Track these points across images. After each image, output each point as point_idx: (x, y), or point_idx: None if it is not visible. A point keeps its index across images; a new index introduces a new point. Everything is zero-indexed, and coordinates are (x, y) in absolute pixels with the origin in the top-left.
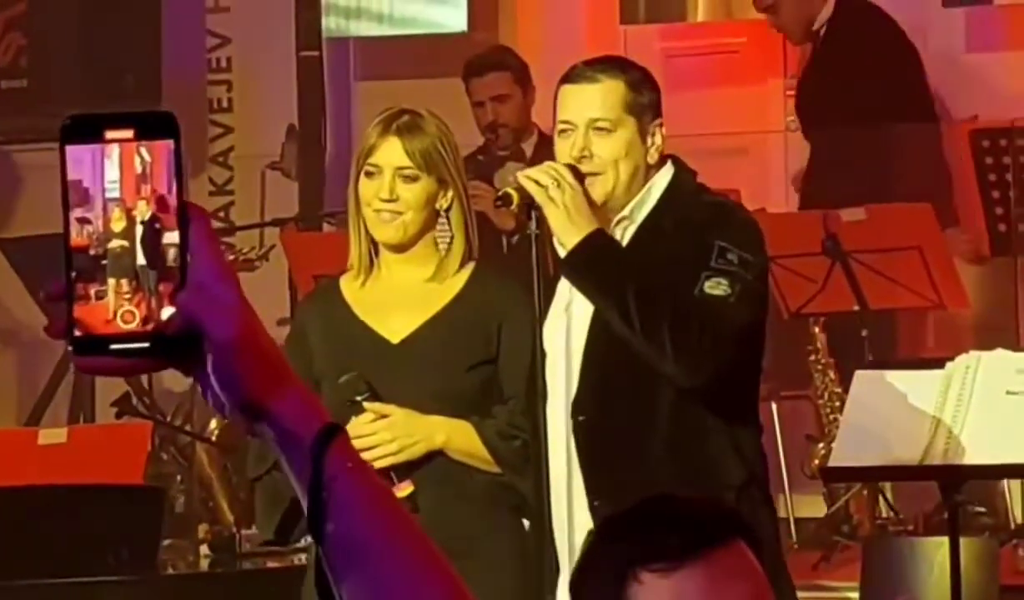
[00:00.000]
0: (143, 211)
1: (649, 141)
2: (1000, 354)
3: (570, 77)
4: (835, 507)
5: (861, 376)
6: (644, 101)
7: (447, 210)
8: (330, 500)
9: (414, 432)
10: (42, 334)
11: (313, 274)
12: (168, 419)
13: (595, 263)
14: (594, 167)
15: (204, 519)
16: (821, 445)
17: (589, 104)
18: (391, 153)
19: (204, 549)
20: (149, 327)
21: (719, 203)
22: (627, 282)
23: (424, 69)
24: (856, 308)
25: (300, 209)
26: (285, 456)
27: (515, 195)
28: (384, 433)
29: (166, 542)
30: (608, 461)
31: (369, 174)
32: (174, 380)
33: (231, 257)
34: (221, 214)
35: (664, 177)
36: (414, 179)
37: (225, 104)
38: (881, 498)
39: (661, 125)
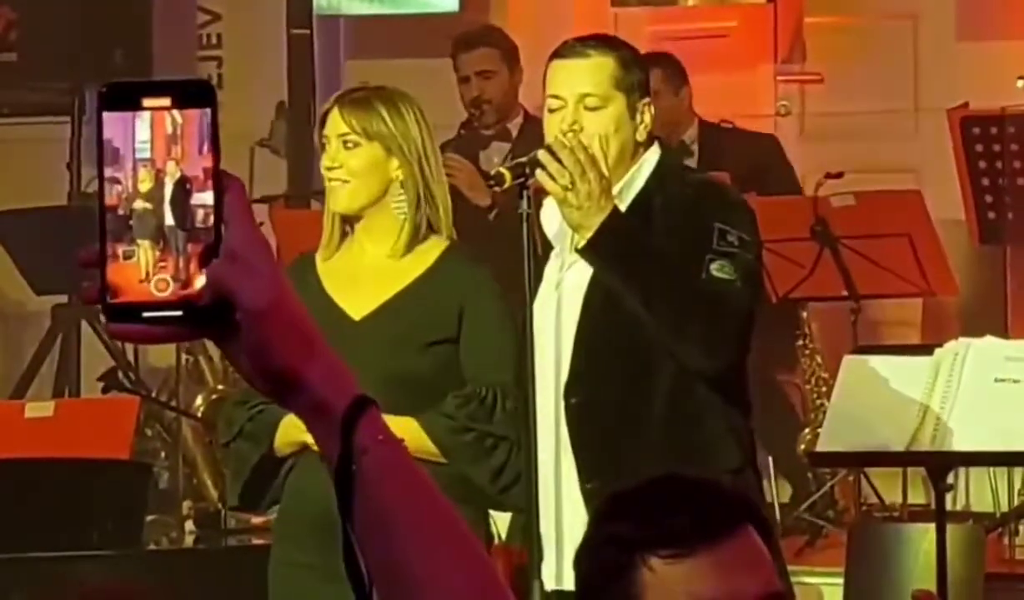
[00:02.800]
0: (172, 172)
1: (638, 119)
2: (989, 341)
3: (560, 53)
4: (820, 492)
5: (849, 361)
6: (633, 79)
7: (403, 183)
8: (359, 473)
9: None
10: (29, 306)
11: (300, 251)
12: (154, 395)
13: (617, 248)
14: (584, 140)
15: (188, 495)
16: (807, 429)
17: (579, 79)
18: (335, 123)
19: (189, 525)
20: (183, 295)
21: (710, 183)
22: (648, 267)
23: (415, 48)
24: (845, 294)
25: (289, 187)
26: (314, 427)
27: (507, 174)
28: None
29: (150, 518)
30: (602, 443)
31: (323, 146)
32: (159, 356)
33: None
34: None
35: (652, 156)
36: (355, 145)
37: (216, 81)
38: (867, 484)
39: (650, 104)
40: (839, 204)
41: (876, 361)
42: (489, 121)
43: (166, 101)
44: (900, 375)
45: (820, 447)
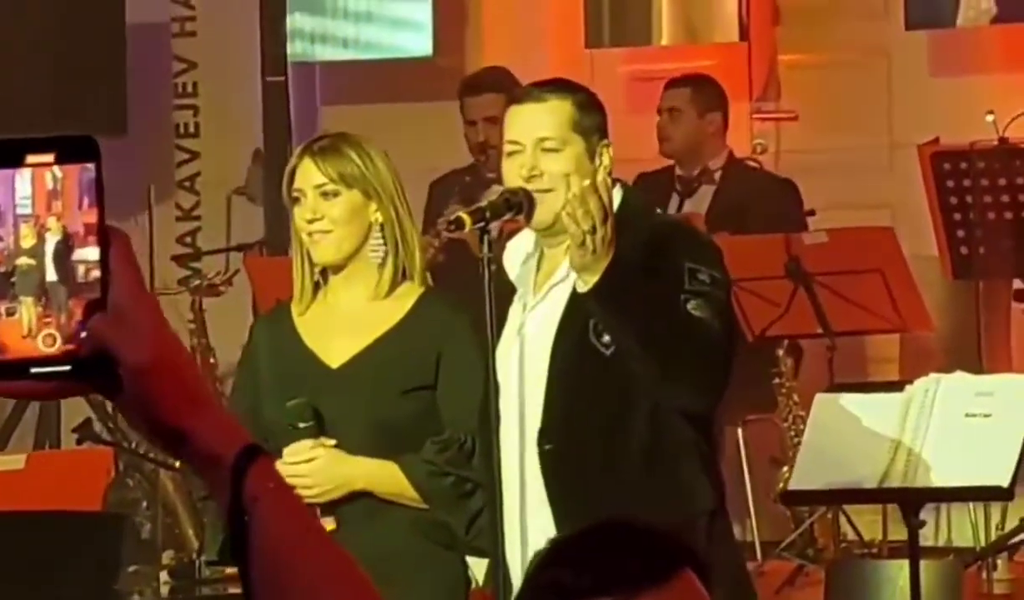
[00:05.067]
0: (54, 228)
1: (597, 161)
2: (959, 377)
3: (517, 98)
4: (799, 530)
5: (821, 399)
6: (592, 121)
7: (381, 226)
8: (251, 521)
9: (334, 477)
10: None
11: (277, 298)
12: (132, 445)
13: (619, 291)
14: (544, 184)
15: (170, 545)
16: (785, 468)
17: (537, 123)
18: (309, 174)
19: (164, 575)
20: (69, 350)
21: (676, 223)
22: (641, 310)
23: (390, 94)
24: (819, 331)
25: (266, 234)
26: (207, 478)
27: (467, 219)
28: (304, 479)
29: (131, 569)
30: (578, 489)
31: (296, 200)
32: None
33: (196, 282)
34: (188, 239)
35: (615, 197)
36: (335, 195)
37: (192, 129)
38: (845, 520)
39: (608, 146)
40: (812, 241)
41: (847, 398)
42: (495, 166)
43: (49, 157)
44: (872, 412)
45: (792, 485)
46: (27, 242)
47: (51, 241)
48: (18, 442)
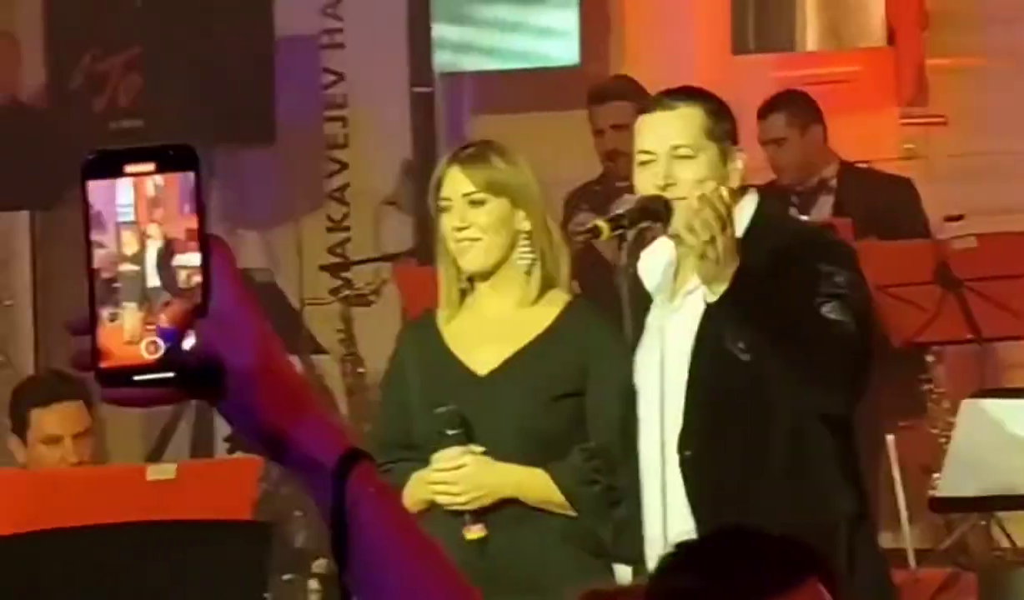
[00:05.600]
0: (156, 234)
1: (730, 166)
2: None
3: (647, 107)
4: (952, 537)
5: (969, 405)
6: (722, 128)
7: (528, 233)
8: (352, 525)
9: (483, 484)
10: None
11: (426, 307)
12: None
13: (749, 299)
14: (679, 192)
15: (323, 554)
16: (936, 475)
17: (669, 132)
18: (456, 182)
19: (314, 583)
20: (171, 357)
21: (810, 227)
22: (775, 315)
23: (537, 102)
24: (969, 337)
25: (415, 244)
26: (309, 483)
27: (605, 227)
28: (453, 486)
29: (286, 577)
30: (719, 496)
31: (443, 208)
32: None
33: (346, 292)
34: (338, 249)
35: (749, 204)
36: (482, 203)
37: (341, 140)
38: (998, 528)
39: (741, 152)
40: (961, 246)
41: (995, 404)
42: (625, 173)
43: (150, 167)
44: (1020, 417)
45: (940, 493)
46: (129, 249)
47: (152, 247)
48: (173, 452)
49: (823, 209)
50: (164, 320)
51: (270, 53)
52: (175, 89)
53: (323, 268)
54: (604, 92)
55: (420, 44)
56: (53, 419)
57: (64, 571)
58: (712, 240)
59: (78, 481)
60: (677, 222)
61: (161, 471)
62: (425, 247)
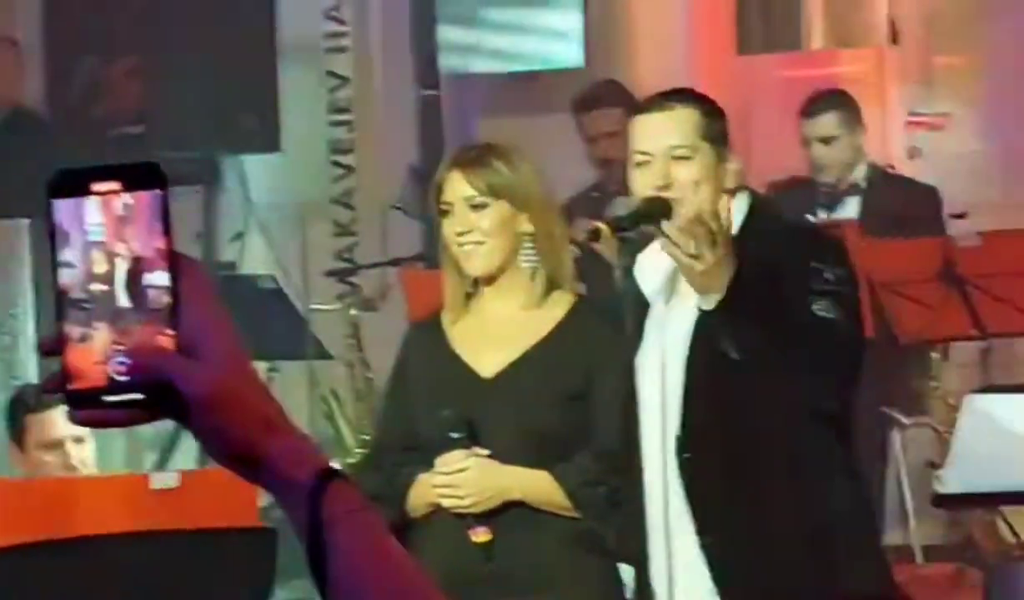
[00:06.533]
0: (125, 254)
1: (725, 167)
2: None
3: (643, 108)
4: (959, 534)
5: (972, 401)
6: (717, 129)
7: (531, 236)
8: (329, 545)
9: (488, 487)
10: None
11: (431, 312)
12: None
13: (747, 305)
14: (675, 193)
15: None
16: (940, 472)
17: (666, 132)
18: (457, 186)
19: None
20: (139, 378)
21: (802, 226)
22: (769, 324)
23: (543, 105)
24: (973, 333)
25: (423, 248)
26: (283, 503)
27: (606, 229)
28: (458, 489)
29: (295, 582)
30: (718, 497)
31: (444, 212)
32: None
33: (353, 297)
34: (345, 254)
35: (742, 203)
36: (483, 207)
37: (346, 144)
38: (1003, 524)
39: (734, 152)
40: (965, 244)
41: (998, 399)
42: (619, 179)
43: (116, 185)
44: (1023, 413)
45: (943, 489)
46: (98, 268)
47: (122, 267)
48: (180, 460)
49: (851, 208)
50: (134, 341)
51: (273, 58)
52: (177, 96)
53: (329, 273)
54: (590, 99)
55: (425, 47)
56: (51, 422)
57: (67, 582)
58: (700, 256)
59: (80, 490)
60: (669, 232)
61: (164, 480)
62: (432, 251)
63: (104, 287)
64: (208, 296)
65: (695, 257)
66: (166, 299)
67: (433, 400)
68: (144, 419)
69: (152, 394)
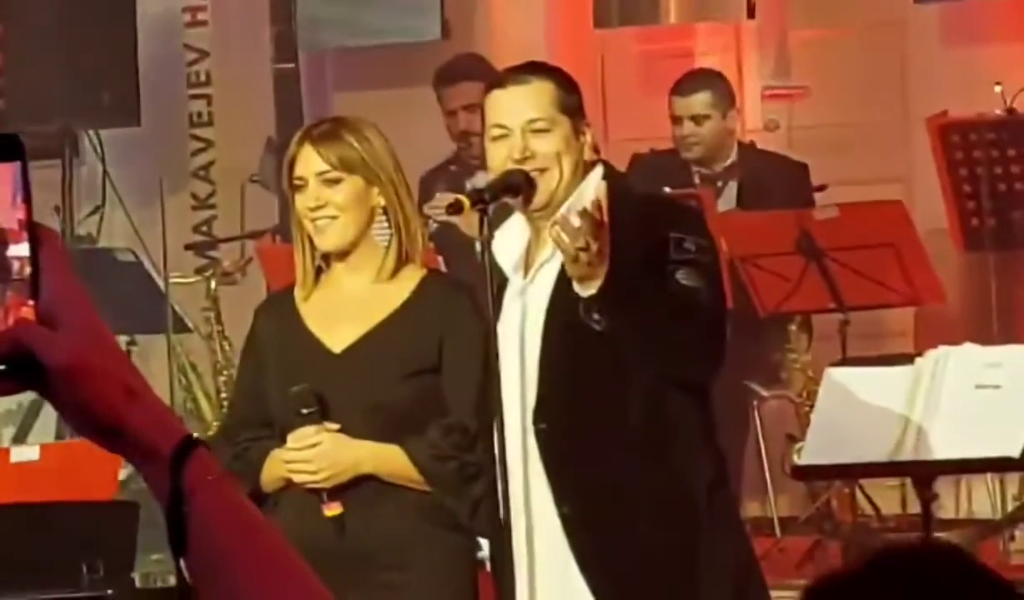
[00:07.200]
0: None
1: (582, 139)
2: (968, 348)
3: (499, 82)
4: (816, 505)
5: (831, 374)
6: (573, 101)
7: (384, 210)
8: (190, 513)
9: (339, 461)
10: None
11: (289, 284)
12: None
13: (617, 297)
14: (537, 164)
15: None
16: (799, 444)
17: (524, 106)
18: (309, 161)
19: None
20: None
21: (656, 196)
22: (644, 304)
23: (401, 78)
24: (832, 306)
25: (279, 221)
26: (145, 472)
27: (466, 202)
28: (309, 464)
29: (155, 557)
30: (574, 467)
31: (297, 187)
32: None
33: (212, 270)
34: (204, 228)
35: (596, 176)
36: (336, 181)
37: (205, 118)
38: (861, 495)
39: (589, 125)
40: (823, 216)
41: (857, 372)
42: (477, 152)
43: None
44: (881, 385)
45: (803, 461)
46: None
47: None
48: (40, 435)
49: (732, 195)
50: None
51: (132, 32)
52: (37, 69)
53: (188, 247)
54: (451, 73)
55: (282, 20)
56: None
57: None
58: (586, 247)
59: None
60: (541, 194)
61: (25, 453)
62: (289, 224)
63: None
64: (66, 267)
65: (583, 249)
66: (27, 270)
67: (284, 376)
68: (5, 390)
69: (13, 365)
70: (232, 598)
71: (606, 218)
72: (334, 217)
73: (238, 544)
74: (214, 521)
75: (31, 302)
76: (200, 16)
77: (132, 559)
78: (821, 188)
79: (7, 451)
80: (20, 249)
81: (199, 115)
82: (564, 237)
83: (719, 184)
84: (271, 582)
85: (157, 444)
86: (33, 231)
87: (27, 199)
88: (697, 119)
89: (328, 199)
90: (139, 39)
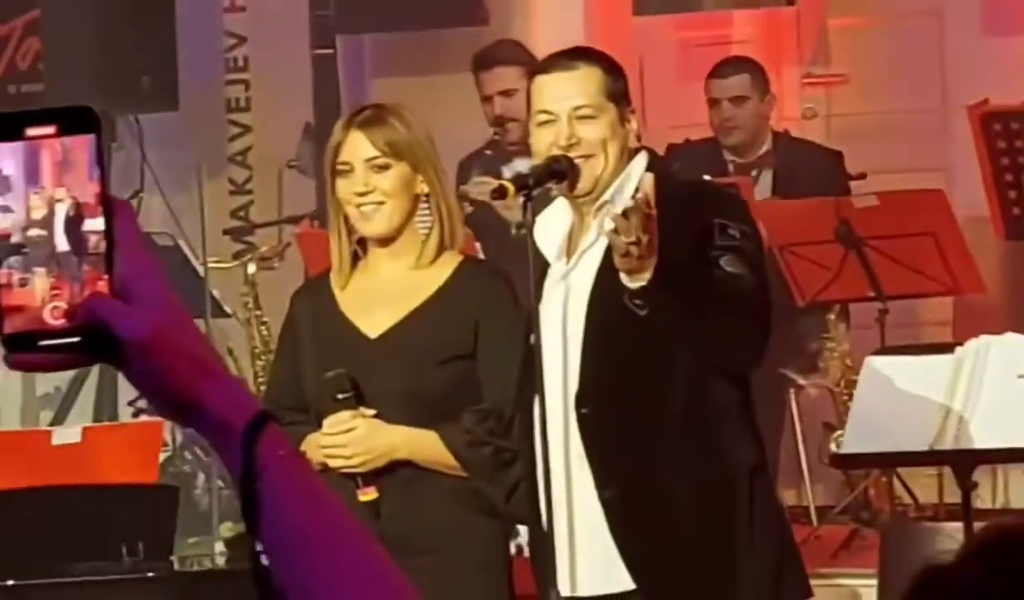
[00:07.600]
0: (64, 199)
1: (627, 126)
2: (1010, 338)
3: (545, 68)
4: (854, 494)
5: (871, 362)
6: (619, 87)
7: (427, 196)
8: (262, 489)
9: (374, 446)
10: None
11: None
12: None
13: (667, 290)
14: (583, 151)
15: (229, 517)
16: (838, 433)
17: (570, 92)
18: (357, 147)
19: (219, 546)
20: (78, 322)
21: (699, 183)
22: (692, 293)
23: (439, 65)
24: (871, 295)
25: (317, 206)
26: (218, 448)
27: (511, 187)
28: (344, 449)
29: (192, 540)
30: (617, 451)
31: (341, 173)
32: None
33: (249, 255)
34: (241, 213)
35: (640, 162)
36: (385, 167)
37: (243, 103)
38: (900, 484)
39: (634, 111)
40: (862, 205)
41: (898, 361)
42: (514, 138)
43: (51, 129)
44: (922, 375)
45: (843, 449)
46: (38, 213)
47: (61, 212)
48: (76, 416)
49: (767, 183)
50: (72, 285)
51: (171, 17)
52: (75, 53)
53: (226, 232)
54: (489, 58)
55: (320, 6)
56: None
57: None
58: (637, 241)
59: None
60: (586, 180)
61: (66, 435)
62: (327, 210)
63: (42, 232)
64: (140, 240)
65: (635, 243)
66: (102, 244)
67: (321, 361)
68: (80, 362)
69: (89, 338)
70: (305, 574)
71: (654, 211)
72: (381, 203)
73: (309, 520)
74: (286, 497)
75: (106, 276)
76: (239, 2)
77: (171, 542)
78: (861, 176)
79: (49, 433)
80: (96, 223)
81: (237, 100)
82: (616, 233)
83: (754, 173)
84: (343, 555)
85: (230, 419)
86: (108, 204)
87: (102, 173)
88: (736, 100)
89: (376, 185)
90: (177, 24)
